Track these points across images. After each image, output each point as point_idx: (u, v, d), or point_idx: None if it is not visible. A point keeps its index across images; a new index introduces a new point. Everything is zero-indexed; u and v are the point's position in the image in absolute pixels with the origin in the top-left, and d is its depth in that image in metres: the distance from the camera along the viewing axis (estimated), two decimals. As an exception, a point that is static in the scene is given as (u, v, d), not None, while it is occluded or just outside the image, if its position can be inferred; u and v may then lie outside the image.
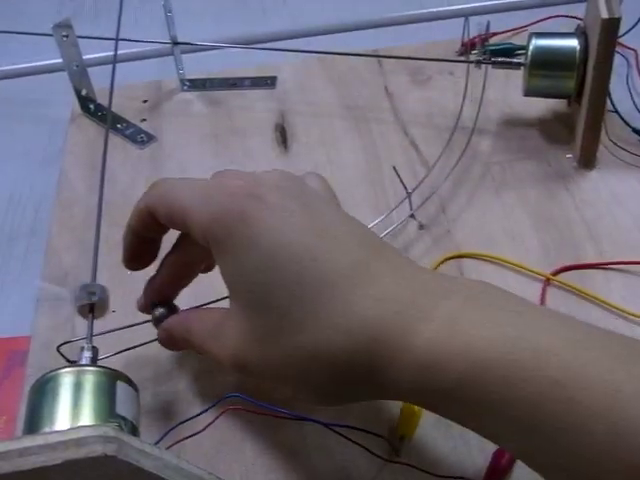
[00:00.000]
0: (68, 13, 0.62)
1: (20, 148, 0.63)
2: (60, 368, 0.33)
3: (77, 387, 0.32)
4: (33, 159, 0.62)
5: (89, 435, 0.28)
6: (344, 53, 0.62)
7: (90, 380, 0.33)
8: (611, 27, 0.47)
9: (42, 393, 0.32)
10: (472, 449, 0.39)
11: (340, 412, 0.41)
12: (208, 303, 0.44)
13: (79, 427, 0.29)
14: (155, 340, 0.43)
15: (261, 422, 0.41)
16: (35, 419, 0.32)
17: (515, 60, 0.55)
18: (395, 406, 0.41)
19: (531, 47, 0.53)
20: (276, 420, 0.40)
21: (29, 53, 0.72)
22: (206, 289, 0.44)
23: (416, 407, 0.40)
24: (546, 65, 0.53)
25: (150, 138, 0.61)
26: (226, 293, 0.36)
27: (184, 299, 0.44)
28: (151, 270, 0.46)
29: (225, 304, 0.44)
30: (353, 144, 0.58)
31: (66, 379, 0.33)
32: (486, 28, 0.59)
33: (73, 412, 0.31)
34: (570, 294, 0.46)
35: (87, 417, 0.32)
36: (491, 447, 0.39)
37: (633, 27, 0.63)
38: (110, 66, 0.57)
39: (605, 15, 0.47)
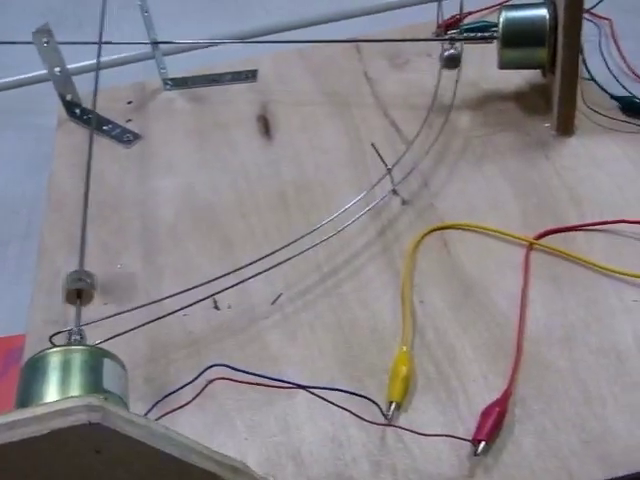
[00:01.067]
0: (50, 24, 0.63)
1: (8, 155, 0.65)
2: (48, 348, 0.34)
3: (65, 365, 0.33)
4: (22, 165, 0.64)
5: (74, 405, 0.29)
6: (322, 40, 0.63)
7: (77, 358, 0.33)
8: (576, -8, 0.48)
9: (32, 373, 0.33)
10: (461, 411, 0.40)
11: (328, 382, 0.42)
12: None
13: (65, 398, 0.30)
14: (145, 324, 0.44)
15: (252, 397, 0.41)
16: (26, 397, 0.33)
17: (486, 34, 0.56)
18: (383, 373, 0.42)
19: (502, 19, 0.54)
20: (267, 394, 0.41)
21: (11, 65, 0.74)
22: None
23: (405, 373, 0.41)
24: (517, 36, 0.54)
25: (136, 137, 0.62)
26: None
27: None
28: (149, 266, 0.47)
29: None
30: (335, 129, 0.59)
31: (54, 358, 0.33)
32: (460, 7, 0.60)
33: (61, 389, 0.32)
34: (554, 257, 0.47)
35: (75, 392, 0.32)
36: (479, 408, 0.39)
37: (605, -3, 0.64)
38: (93, 72, 0.58)
39: (569, -19, 0.48)
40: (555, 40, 0.53)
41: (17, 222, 0.58)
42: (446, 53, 0.58)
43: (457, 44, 0.58)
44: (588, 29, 0.63)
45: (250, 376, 0.36)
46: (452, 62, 0.58)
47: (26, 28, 0.62)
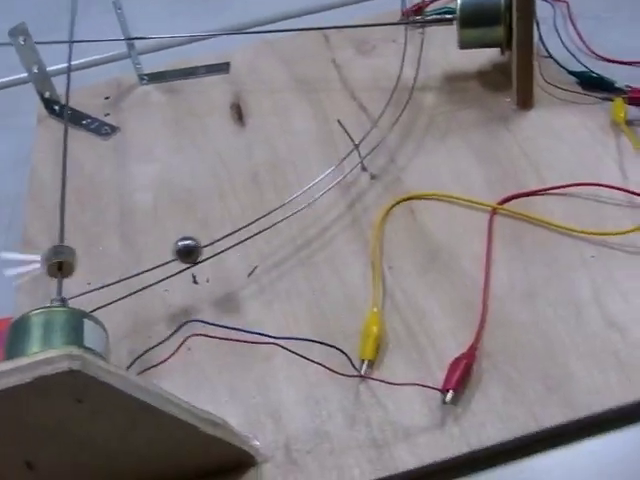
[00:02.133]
0: (31, 30, 0.65)
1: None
2: (31, 310, 0.36)
3: (47, 324, 0.35)
4: (4, 164, 0.65)
5: (56, 355, 0.31)
6: (290, 29, 0.65)
7: (59, 318, 0.35)
8: (526, -30, 0.50)
9: (16, 333, 0.35)
10: (431, 366, 0.42)
11: (304, 346, 0.43)
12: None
13: (46, 350, 0.31)
14: (126, 297, 0.46)
15: (231, 361, 0.43)
16: (9, 356, 0.34)
17: (446, 16, 0.58)
18: (356, 335, 0.43)
19: (459, 1, 0.57)
20: (245, 358, 0.43)
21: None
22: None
23: (376, 332, 0.43)
24: (474, 16, 0.56)
25: (114, 130, 0.64)
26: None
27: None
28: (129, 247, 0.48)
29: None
30: (304, 113, 0.61)
31: (37, 319, 0.35)
32: (422, -5, 0.63)
33: (43, 344, 0.34)
34: (516, 220, 0.49)
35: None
36: (449, 361, 0.41)
37: (560, -21, 0.67)
38: (74, 73, 0.60)
39: (519, -42, 0.50)
40: (511, 18, 0.55)
41: (0, 216, 0.60)
42: (180, 244, 0.46)
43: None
44: (545, 10, 0.66)
45: (227, 332, 0.38)
46: (189, 257, 0.47)
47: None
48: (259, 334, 0.38)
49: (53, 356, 0.31)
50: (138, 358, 0.37)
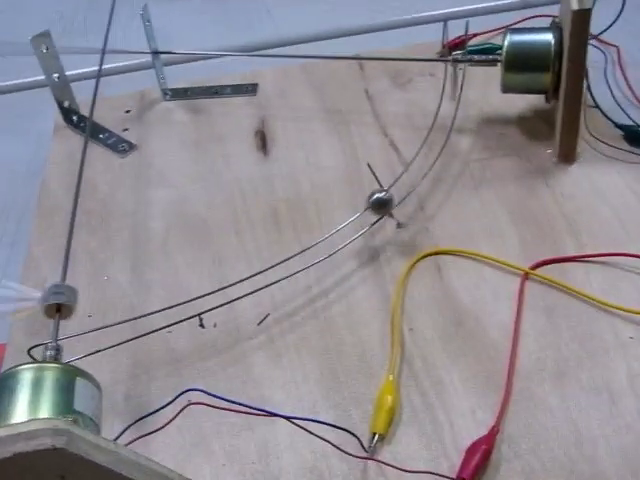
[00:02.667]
0: (58, 31, 0.62)
1: (6, 161, 0.64)
2: (20, 365, 0.33)
3: (36, 383, 0.32)
4: (18, 172, 0.63)
5: (39, 428, 0.28)
6: (325, 57, 0.62)
7: (49, 376, 0.32)
8: (582, 18, 0.47)
9: (1, 390, 0.32)
10: (446, 446, 0.39)
11: (311, 409, 0.40)
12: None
13: (29, 420, 0.29)
14: (127, 341, 0.43)
15: (232, 421, 0.40)
16: (-8, 416, 0.31)
17: (490, 57, 0.55)
18: (369, 402, 0.40)
19: (506, 43, 0.53)
20: (247, 419, 0.40)
21: (19, 71, 0.73)
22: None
23: (390, 403, 0.40)
24: (521, 60, 0.53)
25: (131, 147, 0.61)
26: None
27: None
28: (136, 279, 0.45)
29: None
30: (332, 146, 0.58)
31: (25, 375, 0.32)
32: (465, 29, 0.60)
33: (30, 407, 0.31)
34: (549, 288, 0.46)
35: (44, 412, 0.31)
36: (465, 443, 0.38)
37: (613, 23, 0.63)
38: (93, 80, 0.57)
39: (575, 7, 0.47)
40: (560, 66, 0.52)
41: (6, 229, 0.57)
42: (374, 197, 0.48)
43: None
44: (594, 55, 0.63)
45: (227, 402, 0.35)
46: (382, 208, 0.48)
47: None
48: (267, 412, 0.35)
49: (36, 429, 0.28)
50: (129, 427, 0.34)
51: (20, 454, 0.28)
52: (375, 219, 0.49)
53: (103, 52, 0.59)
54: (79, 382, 0.33)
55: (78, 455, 0.28)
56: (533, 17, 0.67)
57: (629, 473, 0.36)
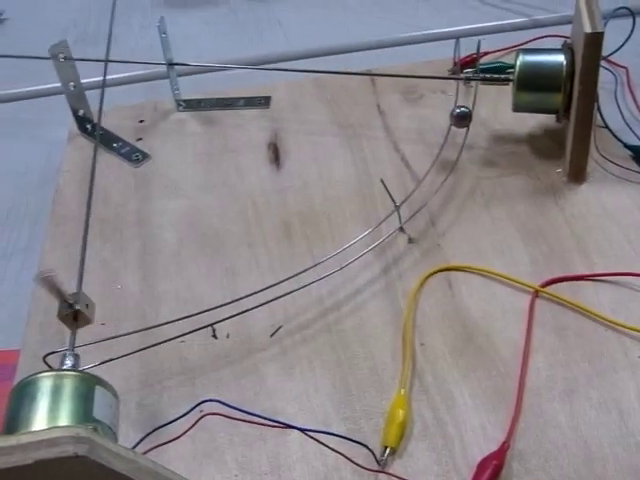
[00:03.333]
0: (71, 39, 0.63)
1: (19, 168, 0.64)
2: (39, 372, 0.33)
3: (55, 391, 0.32)
4: (31, 178, 0.63)
5: (61, 435, 0.28)
6: (337, 72, 0.63)
7: (68, 384, 0.33)
8: (594, 41, 0.48)
9: (21, 397, 0.32)
10: (457, 461, 0.39)
11: (323, 421, 0.41)
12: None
13: (51, 428, 0.29)
14: (141, 350, 0.43)
15: (245, 432, 0.40)
16: (13, 422, 0.32)
17: (503, 76, 0.55)
18: (380, 416, 0.41)
19: (518, 63, 0.54)
20: (260, 430, 0.40)
21: (32, 78, 0.74)
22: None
23: (401, 417, 0.40)
24: (533, 80, 0.54)
25: (145, 157, 0.61)
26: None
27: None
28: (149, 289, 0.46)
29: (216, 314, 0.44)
30: (344, 161, 0.59)
31: (45, 383, 0.33)
32: (477, 47, 0.60)
33: (50, 415, 0.31)
34: (559, 306, 0.46)
35: (64, 420, 0.31)
36: (476, 457, 0.38)
37: (623, 45, 0.64)
38: (110, 89, 0.58)
39: (588, 30, 0.48)
40: (571, 86, 0.52)
41: (20, 236, 0.58)
42: (457, 111, 0.56)
43: (472, 84, 0.58)
44: (604, 76, 0.63)
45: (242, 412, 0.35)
46: (463, 121, 0.56)
47: (49, 41, 0.62)
48: (283, 424, 0.36)
49: (58, 437, 0.28)
50: (147, 436, 0.34)
51: (42, 461, 0.28)
52: (387, 234, 0.50)
53: (106, 61, 0.60)
54: (98, 390, 0.33)
55: (99, 463, 0.29)
56: (543, 37, 0.68)
57: (638, 492, 0.37)
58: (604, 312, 0.45)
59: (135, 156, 0.61)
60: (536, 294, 0.47)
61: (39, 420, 0.31)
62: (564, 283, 0.47)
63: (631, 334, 0.44)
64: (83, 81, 0.64)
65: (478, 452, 0.39)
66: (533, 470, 0.38)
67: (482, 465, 0.38)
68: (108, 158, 0.62)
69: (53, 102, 0.71)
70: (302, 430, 0.36)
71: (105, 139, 0.63)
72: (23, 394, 0.32)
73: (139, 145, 0.63)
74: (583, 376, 0.42)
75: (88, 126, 0.65)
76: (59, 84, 0.63)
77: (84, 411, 0.32)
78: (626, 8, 0.66)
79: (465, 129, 0.56)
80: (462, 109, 0.56)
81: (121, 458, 0.29)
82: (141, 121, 0.66)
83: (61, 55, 0.59)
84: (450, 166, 0.55)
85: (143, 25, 0.85)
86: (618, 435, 0.39)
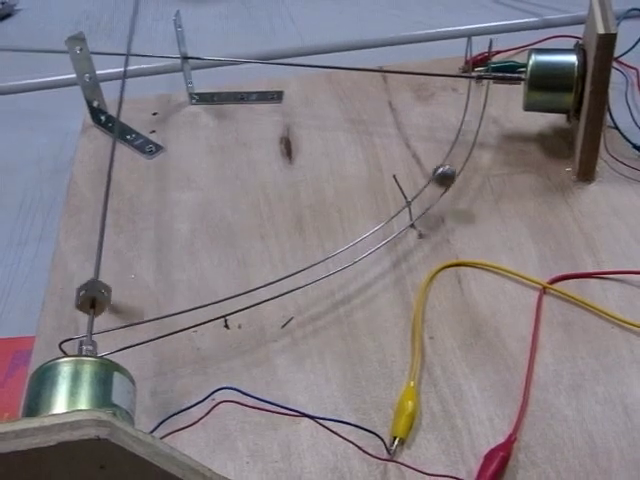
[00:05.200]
0: (84, 30, 0.64)
1: (33, 157, 0.65)
2: (59, 358, 0.34)
3: (75, 376, 0.33)
4: (45, 168, 0.64)
5: (83, 419, 0.29)
6: (350, 68, 0.64)
7: (88, 370, 0.34)
8: (607, 42, 0.48)
9: (41, 381, 0.33)
10: (464, 452, 0.40)
11: (333, 412, 0.41)
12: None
13: (74, 411, 0.30)
14: (155, 339, 0.44)
15: (256, 420, 0.41)
16: (34, 406, 0.33)
17: (515, 75, 0.56)
18: (389, 407, 0.42)
19: (531, 62, 0.54)
20: (271, 418, 0.41)
21: (45, 69, 0.75)
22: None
23: (411, 409, 0.41)
24: (545, 80, 0.54)
25: (158, 149, 0.62)
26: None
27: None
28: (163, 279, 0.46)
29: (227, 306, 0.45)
30: (356, 156, 0.60)
31: (65, 368, 0.33)
32: (489, 46, 0.61)
33: (70, 399, 0.32)
34: (567, 303, 0.47)
35: (83, 404, 0.32)
36: (483, 449, 0.39)
37: (634, 46, 0.64)
38: (120, 80, 0.59)
39: (601, 31, 0.48)
40: (582, 87, 0.53)
41: (33, 224, 0.58)
42: (440, 170, 0.51)
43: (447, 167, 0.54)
44: (615, 77, 0.64)
45: (257, 400, 0.36)
46: (445, 180, 0.52)
47: (62, 32, 0.63)
48: (298, 412, 0.36)
49: (80, 420, 0.29)
50: (162, 422, 0.35)
51: (64, 443, 0.29)
52: (399, 229, 0.50)
53: (128, 55, 0.60)
54: (116, 376, 0.34)
55: (119, 446, 0.29)
56: (554, 37, 0.69)
57: (642, 485, 0.38)
58: (611, 309, 0.46)
59: (149, 148, 0.62)
60: (544, 291, 0.47)
61: (60, 404, 0.32)
62: (572, 280, 0.48)
63: (637, 331, 0.45)
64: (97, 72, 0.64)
65: (485, 444, 0.40)
66: (539, 462, 0.39)
67: (489, 456, 0.39)
68: (122, 149, 0.62)
69: (67, 93, 0.72)
70: (314, 418, 0.37)
71: (119, 131, 0.63)
72: (44, 378, 0.33)
73: (152, 137, 0.64)
74: (589, 371, 0.43)
75: (102, 117, 0.65)
76: (74, 75, 0.63)
77: (103, 396, 0.33)
78: (638, 9, 0.66)
79: (444, 188, 0.52)
80: (447, 168, 0.51)
81: (140, 442, 0.30)
82: (155, 114, 0.66)
83: (78, 48, 0.60)
84: (460, 163, 0.55)
85: (155, 18, 0.86)
86: (623, 430, 0.40)
